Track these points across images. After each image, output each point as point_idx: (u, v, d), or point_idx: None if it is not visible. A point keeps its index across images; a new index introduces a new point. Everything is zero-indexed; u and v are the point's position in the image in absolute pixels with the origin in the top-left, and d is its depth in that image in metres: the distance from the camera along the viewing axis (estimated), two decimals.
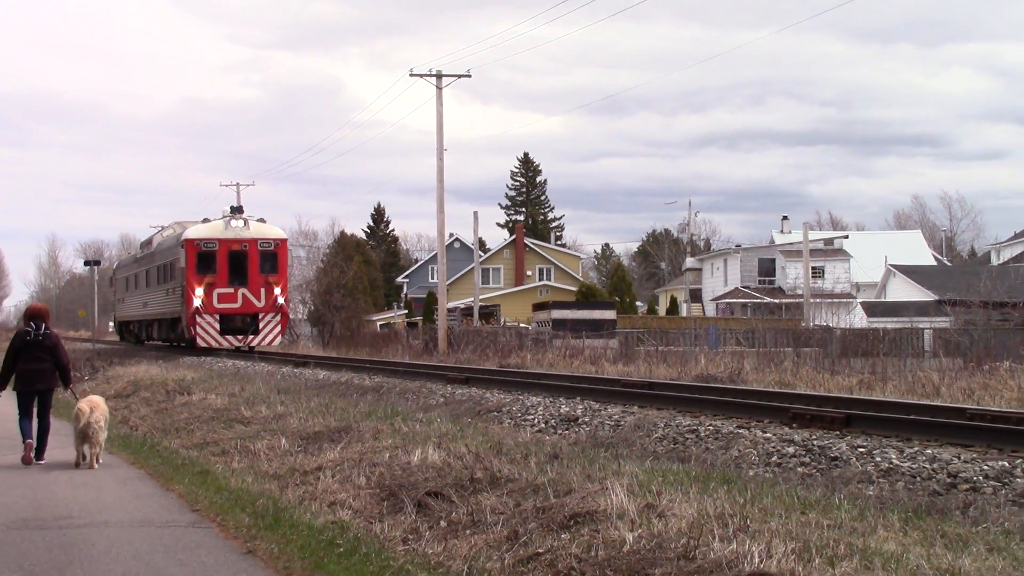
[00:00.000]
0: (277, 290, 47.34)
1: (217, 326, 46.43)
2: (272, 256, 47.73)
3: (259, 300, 46.86)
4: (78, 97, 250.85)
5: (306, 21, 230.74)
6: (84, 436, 18.01)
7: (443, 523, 11.57)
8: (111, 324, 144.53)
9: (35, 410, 18.63)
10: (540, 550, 9.85)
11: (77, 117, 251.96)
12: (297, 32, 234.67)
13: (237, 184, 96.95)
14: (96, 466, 17.98)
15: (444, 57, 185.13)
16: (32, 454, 18.31)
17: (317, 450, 16.87)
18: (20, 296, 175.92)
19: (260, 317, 47.22)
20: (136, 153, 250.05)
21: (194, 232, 47.99)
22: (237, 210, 48.52)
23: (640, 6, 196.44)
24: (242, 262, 46.78)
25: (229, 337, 47.09)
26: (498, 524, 10.96)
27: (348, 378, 30.23)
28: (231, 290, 46.23)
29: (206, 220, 49.83)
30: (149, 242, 62.18)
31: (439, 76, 58.98)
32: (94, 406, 18.26)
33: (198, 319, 45.72)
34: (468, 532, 11.04)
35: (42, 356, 18.76)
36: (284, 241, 49.18)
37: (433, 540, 11.05)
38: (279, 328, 48.90)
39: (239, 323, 47.33)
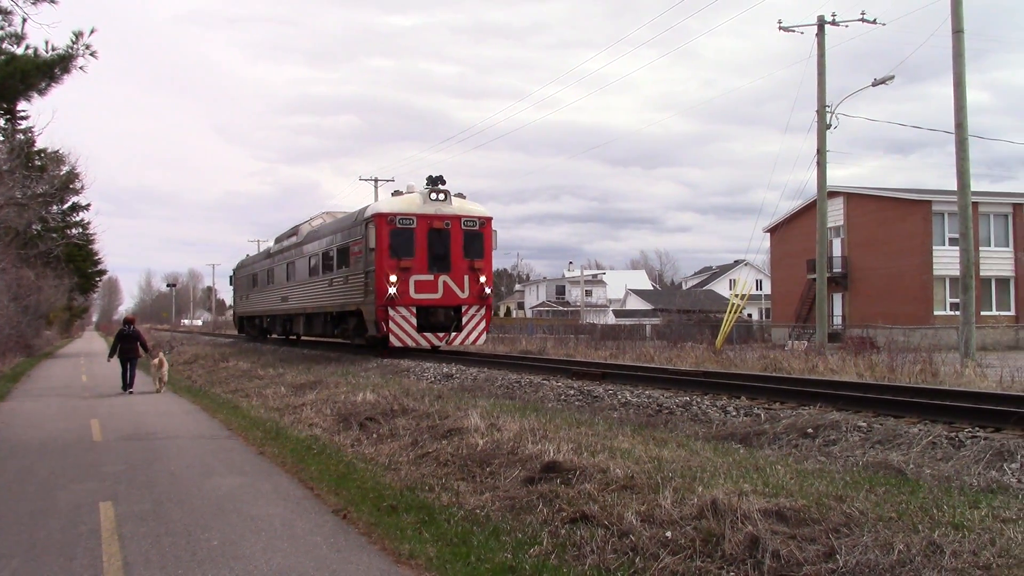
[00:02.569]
0: (483, 278, 25.59)
1: (414, 321, 24.49)
2: (477, 237, 25.64)
3: (463, 290, 25.14)
4: (165, 189, 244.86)
5: (298, 147, 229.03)
6: (157, 375, 20.86)
7: (375, 435, 11.43)
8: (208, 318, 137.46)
9: (128, 368, 20.94)
10: (430, 450, 9.80)
11: (164, 201, 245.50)
12: (293, 154, 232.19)
13: (258, 240, 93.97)
14: (163, 391, 20.31)
15: (379, 169, 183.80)
16: (127, 389, 20.53)
17: (302, 394, 16.52)
18: (128, 305, 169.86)
19: (464, 310, 25.27)
20: (198, 222, 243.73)
21: (386, 205, 25.33)
22: (437, 180, 25.61)
23: (489, 143, 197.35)
24: (443, 243, 24.93)
25: (428, 335, 25.00)
26: (406, 436, 10.87)
27: (321, 353, 29.66)
28: (430, 277, 24.68)
29: (397, 193, 26.48)
30: (294, 232, 35.28)
31: (376, 180, 58.31)
32: (161, 361, 21.11)
33: (392, 312, 24.03)
34: (389, 440, 10.93)
35: (131, 341, 21.26)
36: (489, 220, 26.20)
37: (369, 445, 10.92)
38: (484, 323, 26.00)
39: (441, 317, 25.29)
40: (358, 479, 8.87)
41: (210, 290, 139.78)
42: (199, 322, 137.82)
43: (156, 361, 21.02)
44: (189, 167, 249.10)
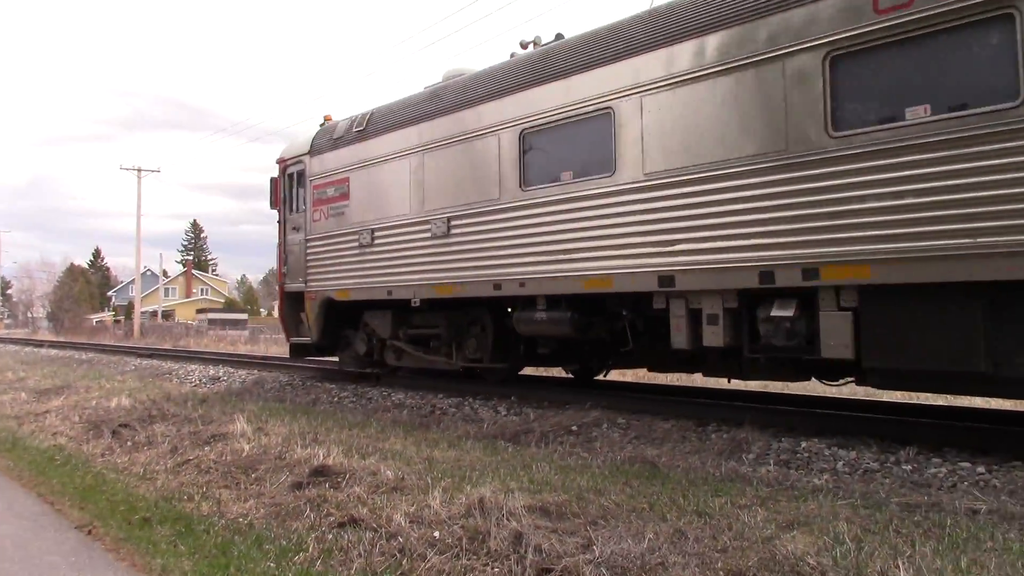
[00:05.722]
0: None
1: None
2: None
3: None
4: None
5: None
6: None
7: (129, 443, 10.64)
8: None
9: None
10: (191, 457, 9.28)
11: None
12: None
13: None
14: None
15: (144, 159, 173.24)
16: None
17: (46, 400, 15.07)
18: None
19: None
20: None
21: None
22: None
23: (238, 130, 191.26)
24: None
25: None
26: (165, 443, 10.21)
27: (71, 354, 27.32)
28: None
29: None
30: None
31: (139, 170, 54.62)
32: None
33: None
34: (145, 448, 10.21)
35: None
36: None
37: (122, 454, 10.14)
38: None
39: None
40: (108, 491, 8.23)
41: None
42: None
43: None
44: None
